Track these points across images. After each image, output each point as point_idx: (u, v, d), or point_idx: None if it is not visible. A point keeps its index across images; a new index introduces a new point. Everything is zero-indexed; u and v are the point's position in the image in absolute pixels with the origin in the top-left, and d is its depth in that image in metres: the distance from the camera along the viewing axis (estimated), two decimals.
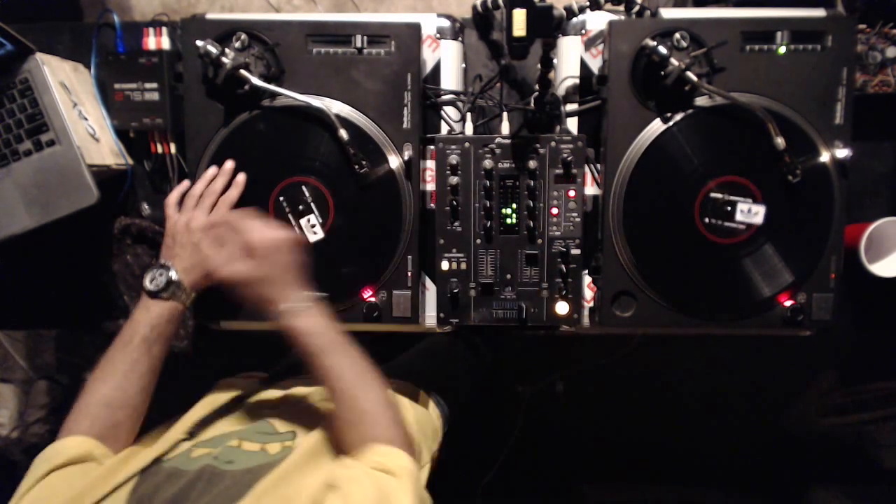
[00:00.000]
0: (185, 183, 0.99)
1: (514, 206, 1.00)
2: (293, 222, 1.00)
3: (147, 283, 0.89)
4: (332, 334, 0.83)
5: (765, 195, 0.96)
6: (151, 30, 1.06)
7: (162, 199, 1.12)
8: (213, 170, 0.98)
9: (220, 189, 0.97)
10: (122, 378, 0.84)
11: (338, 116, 0.95)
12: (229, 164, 0.98)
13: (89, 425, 0.80)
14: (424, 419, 1.07)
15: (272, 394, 1.00)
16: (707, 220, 0.97)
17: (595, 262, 1.03)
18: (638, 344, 1.90)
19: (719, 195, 0.97)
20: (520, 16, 0.78)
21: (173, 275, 0.89)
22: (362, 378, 0.82)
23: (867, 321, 1.14)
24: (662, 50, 0.92)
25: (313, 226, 1.00)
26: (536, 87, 0.95)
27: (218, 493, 0.69)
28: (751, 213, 0.96)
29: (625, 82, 0.96)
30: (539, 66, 0.90)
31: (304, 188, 0.99)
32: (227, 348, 1.38)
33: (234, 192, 0.97)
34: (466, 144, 0.99)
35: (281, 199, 1.00)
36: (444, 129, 1.05)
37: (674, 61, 0.91)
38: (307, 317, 0.83)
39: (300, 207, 0.99)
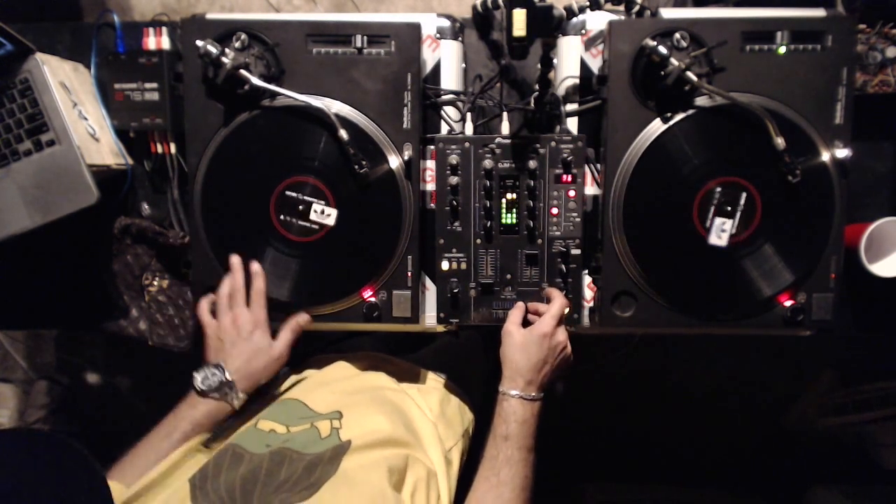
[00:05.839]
0: (211, 296, 0.97)
1: (514, 206, 1.00)
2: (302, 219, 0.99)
3: (198, 383, 0.87)
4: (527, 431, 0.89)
5: (765, 195, 0.96)
6: (151, 30, 1.06)
7: (162, 199, 1.14)
8: (235, 260, 0.97)
9: (242, 284, 0.96)
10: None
11: (338, 116, 0.94)
12: (236, 260, 0.97)
13: None
14: (463, 412, 1.09)
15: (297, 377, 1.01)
16: (706, 218, 0.97)
17: (595, 262, 1.03)
18: (638, 344, 1.90)
19: (720, 197, 0.97)
20: (520, 16, 0.78)
21: (227, 375, 0.89)
22: (524, 490, 0.86)
23: (867, 321, 1.14)
24: (662, 50, 0.92)
25: (322, 211, 0.99)
26: (536, 87, 0.95)
27: (286, 480, 0.70)
28: (722, 232, 0.97)
29: (625, 82, 0.96)
30: (539, 66, 0.90)
31: (303, 187, 0.99)
32: None
33: (260, 283, 0.96)
34: (466, 144, 0.99)
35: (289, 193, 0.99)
36: (444, 129, 1.05)
37: (674, 61, 0.91)
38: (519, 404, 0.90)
39: (300, 208, 0.99)
